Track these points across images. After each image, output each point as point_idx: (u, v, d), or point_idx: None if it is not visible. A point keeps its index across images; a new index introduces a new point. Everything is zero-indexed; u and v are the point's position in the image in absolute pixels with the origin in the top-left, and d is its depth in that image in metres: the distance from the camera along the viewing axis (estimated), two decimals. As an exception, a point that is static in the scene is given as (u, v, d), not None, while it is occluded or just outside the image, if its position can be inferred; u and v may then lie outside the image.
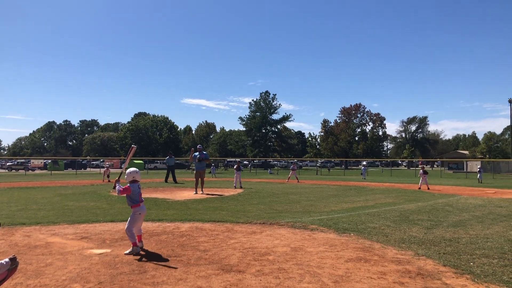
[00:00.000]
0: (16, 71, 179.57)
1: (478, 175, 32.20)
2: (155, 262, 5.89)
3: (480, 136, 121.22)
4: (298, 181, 30.25)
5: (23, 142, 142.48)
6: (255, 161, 74.85)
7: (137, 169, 7.03)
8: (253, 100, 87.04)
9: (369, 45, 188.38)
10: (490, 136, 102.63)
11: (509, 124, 67.98)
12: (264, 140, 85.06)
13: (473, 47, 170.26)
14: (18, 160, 68.18)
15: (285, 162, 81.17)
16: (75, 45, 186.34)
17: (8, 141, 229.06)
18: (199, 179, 18.24)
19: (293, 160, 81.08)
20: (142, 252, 6.56)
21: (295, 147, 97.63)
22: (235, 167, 23.24)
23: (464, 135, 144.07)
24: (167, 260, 6.02)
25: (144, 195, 16.75)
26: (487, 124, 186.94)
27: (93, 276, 5.19)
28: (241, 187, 21.84)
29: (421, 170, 23.07)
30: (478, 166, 35.91)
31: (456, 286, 4.85)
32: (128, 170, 6.95)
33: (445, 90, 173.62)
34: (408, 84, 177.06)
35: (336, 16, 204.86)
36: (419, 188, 22.08)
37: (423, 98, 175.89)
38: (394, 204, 14.18)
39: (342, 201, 15.37)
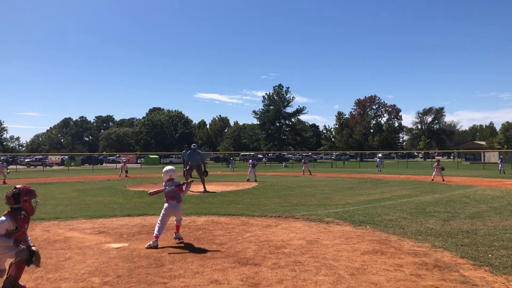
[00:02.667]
0: (32, 69, 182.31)
1: (500, 165, 31.88)
2: (172, 256, 5.94)
3: (497, 127, 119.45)
4: (310, 174, 30.33)
5: (40, 139, 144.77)
6: (269, 155, 74.84)
7: (174, 168, 7.23)
8: (266, 93, 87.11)
9: (383, 36, 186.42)
10: (507, 126, 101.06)
11: (527, 113, 66.80)
12: (278, 133, 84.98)
13: (488, 37, 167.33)
14: (36, 157, 69.29)
15: (299, 155, 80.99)
16: (90, 43, 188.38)
17: (26, 138, 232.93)
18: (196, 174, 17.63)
19: (307, 153, 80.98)
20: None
21: (309, 140, 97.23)
22: (249, 162, 23.56)
23: (481, 125, 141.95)
24: (183, 254, 6.07)
25: (160, 189, 16.83)
26: (504, 114, 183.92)
27: (111, 269, 5.26)
28: (255, 181, 21.95)
29: (436, 162, 22.90)
30: (501, 156, 35.42)
31: (474, 278, 4.79)
32: (165, 169, 7.16)
33: (461, 81, 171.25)
34: (423, 75, 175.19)
35: (349, 8, 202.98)
36: (432, 180, 21.90)
37: (438, 89, 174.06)
38: (410, 196, 14.07)
39: (357, 193, 15.29)
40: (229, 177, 26.44)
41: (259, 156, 79.75)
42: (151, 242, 6.61)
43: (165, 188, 6.99)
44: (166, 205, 6.96)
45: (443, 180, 21.60)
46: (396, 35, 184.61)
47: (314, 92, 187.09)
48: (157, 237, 6.68)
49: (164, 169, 7.19)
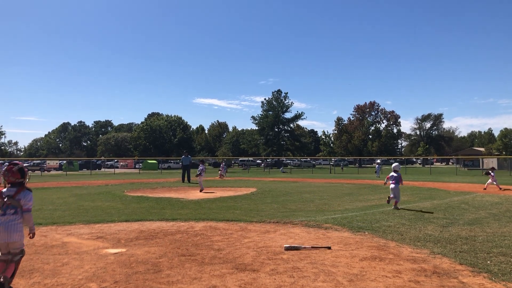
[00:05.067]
0: (31, 73, 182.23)
1: None
2: (170, 262, 5.91)
3: (496, 133, 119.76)
4: (224, 176, 34.60)
5: (38, 143, 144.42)
6: (268, 160, 74.81)
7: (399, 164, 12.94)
8: (265, 99, 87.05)
9: (382, 42, 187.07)
10: (505, 133, 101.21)
11: (526, 120, 66.79)
12: (277, 139, 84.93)
13: (487, 43, 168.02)
14: (34, 161, 69.14)
15: (298, 160, 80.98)
16: (88, 48, 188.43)
17: (24, 143, 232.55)
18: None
19: (305, 158, 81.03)
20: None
21: (308, 146, 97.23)
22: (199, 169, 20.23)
23: (480, 132, 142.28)
24: (181, 259, 6.04)
25: (158, 194, 16.96)
26: (502, 120, 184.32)
27: (108, 275, 5.23)
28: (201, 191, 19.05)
29: (489, 170, 20.43)
30: None
31: (473, 285, 4.79)
32: (395, 164, 12.80)
33: (459, 87, 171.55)
34: (422, 81, 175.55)
35: (348, 14, 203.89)
36: (500, 189, 19.32)
37: (437, 95, 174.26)
38: (409, 202, 14.05)
39: (356, 199, 15.29)
40: (227, 183, 26.40)
41: (257, 161, 79.77)
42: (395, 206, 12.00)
43: (390, 175, 12.58)
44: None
45: (500, 189, 19.32)
46: (394, 41, 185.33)
47: (312, 97, 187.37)
48: (397, 202, 12.19)
49: (395, 163, 12.84)
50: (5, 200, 4.56)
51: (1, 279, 4.39)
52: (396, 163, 13.09)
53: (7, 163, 4.77)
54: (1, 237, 4.49)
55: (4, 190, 4.68)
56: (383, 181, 14.38)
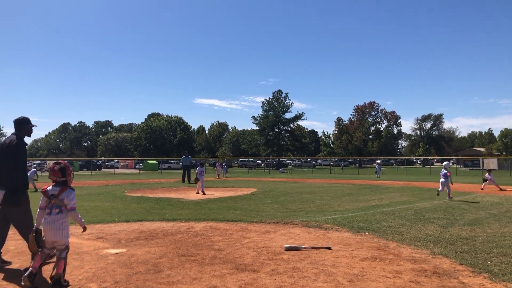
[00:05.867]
0: (31, 73, 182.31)
1: None
2: (170, 262, 5.91)
3: (496, 133, 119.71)
4: (219, 178, 33.74)
5: (39, 144, 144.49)
6: (268, 160, 74.82)
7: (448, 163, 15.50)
8: (265, 99, 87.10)
9: (381, 42, 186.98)
10: (506, 133, 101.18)
11: (526, 120, 66.69)
12: (277, 139, 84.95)
13: (487, 43, 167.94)
14: (34, 162, 69.13)
15: (298, 161, 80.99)
16: (88, 48, 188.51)
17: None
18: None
19: (306, 159, 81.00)
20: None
21: (308, 146, 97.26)
22: (197, 170, 18.98)
23: (480, 132, 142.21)
24: (182, 260, 6.04)
25: (158, 195, 16.96)
26: (502, 120, 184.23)
27: (109, 275, 5.23)
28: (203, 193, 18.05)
29: (487, 172, 20.55)
30: None
31: (473, 285, 4.78)
32: (445, 162, 15.47)
33: (459, 87, 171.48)
34: (422, 81, 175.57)
35: (348, 14, 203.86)
36: (500, 189, 19.34)
37: (437, 95, 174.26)
38: (409, 202, 14.06)
39: (356, 200, 15.28)
40: (227, 183, 26.41)
41: (258, 161, 79.73)
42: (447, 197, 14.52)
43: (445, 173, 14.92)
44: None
45: (501, 189, 19.21)
46: (394, 41, 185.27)
47: (312, 97, 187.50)
48: (440, 191, 14.90)
49: (445, 162, 15.39)
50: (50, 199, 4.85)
51: (54, 276, 4.66)
52: (446, 162, 16.12)
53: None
54: (49, 235, 4.80)
55: (49, 188, 4.93)
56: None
